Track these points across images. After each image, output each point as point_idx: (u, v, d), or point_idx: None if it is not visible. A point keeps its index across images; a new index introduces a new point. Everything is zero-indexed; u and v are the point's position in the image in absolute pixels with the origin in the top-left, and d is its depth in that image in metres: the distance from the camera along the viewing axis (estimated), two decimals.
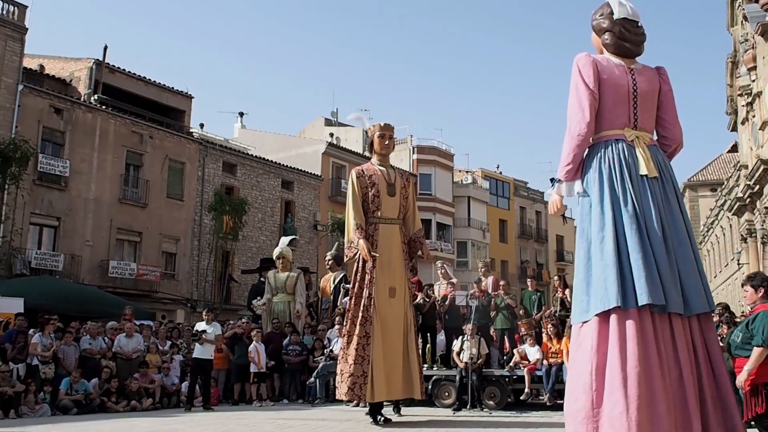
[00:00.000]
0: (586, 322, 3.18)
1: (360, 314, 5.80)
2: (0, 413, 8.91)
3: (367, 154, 6.68)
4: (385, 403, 6.30)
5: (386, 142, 6.19)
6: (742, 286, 6.32)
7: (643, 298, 3.01)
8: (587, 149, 3.50)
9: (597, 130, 3.49)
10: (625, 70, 3.50)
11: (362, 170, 6.16)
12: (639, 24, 3.58)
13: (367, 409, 6.18)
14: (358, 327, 5.76)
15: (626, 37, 3.54)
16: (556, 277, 12.41)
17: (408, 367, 5.84)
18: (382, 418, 5.93)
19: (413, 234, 6.22)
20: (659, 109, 3.59)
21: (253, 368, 10.82)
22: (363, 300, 5.84)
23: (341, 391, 5.82)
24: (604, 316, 3.10)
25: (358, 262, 5.98)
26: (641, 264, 3.08)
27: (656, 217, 3.23)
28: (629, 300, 3.05)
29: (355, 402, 6.70)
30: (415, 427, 6.01)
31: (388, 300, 5.85)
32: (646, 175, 3.32)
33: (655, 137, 3.60)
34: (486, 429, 5.99)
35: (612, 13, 3.57)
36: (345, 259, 6.33)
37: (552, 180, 3.54)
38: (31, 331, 10.48)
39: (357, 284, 5.97)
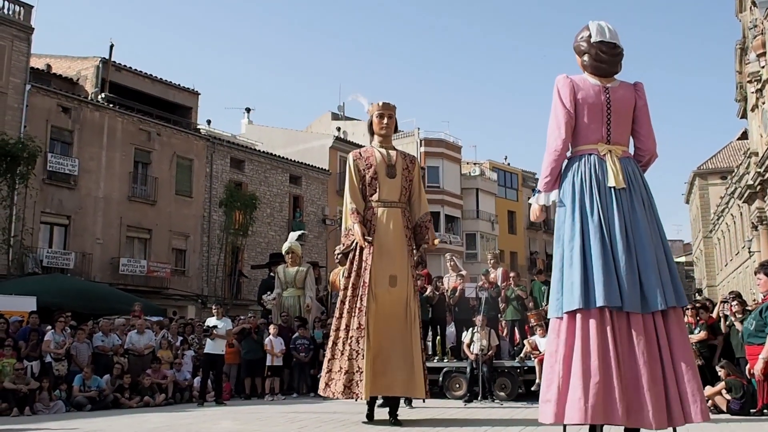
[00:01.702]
0: (559, 318, 3.61)
1: (356, 304, 5.33)
2: (15, 410, 8.98)
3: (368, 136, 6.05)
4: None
5: (385, 122, 5.71)
6: (755, 273, 6.31)
7: (600, 301, 3.44)
8: (566, 162, 3.86)
9: (574, 144, 3.86)
10: (600, 90, 3.82)
11: (359, 153, 5.79)
12: (616, 45, 3.86)
13: (380, 402, 5.87)
14: (353, 319, 5.29)
15: (603, 59, 3.83)
16: None
17: (410, 363, 5.23)
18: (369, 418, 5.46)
19: (419, 219, 5.75)
20: (635, 123, 3.89)
21: (268, 361, 10.86)
22: (359, 289, 5.36)
23: (336, 389, 5.23)
24: (572, 314, 3.54)
25: (355, 249, 5.56)
26: (601, 270, 3.50)
27: (620, 226, 3.60)
28: (591, 302, 3.47)
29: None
30: (424, 425, 5.98)
31: (388, 289, 5.33)
32: (614, 187, 3.67)
33: (632, 149, 3.94)
34: (497, 428, 5.98)
35: (590, 36, 3.87)
36: (342, 248, 5.77)
37: (533, 190, 4.00)
38: (47, 328, 10.56)
39: (353, 272, 5.49)
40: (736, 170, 36.43)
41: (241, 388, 11.34)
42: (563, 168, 3.86)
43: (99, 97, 25.27)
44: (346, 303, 5.43)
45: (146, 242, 25.89)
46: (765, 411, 6.85)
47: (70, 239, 23.22)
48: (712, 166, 49.36)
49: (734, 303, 8.55)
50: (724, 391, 7.41)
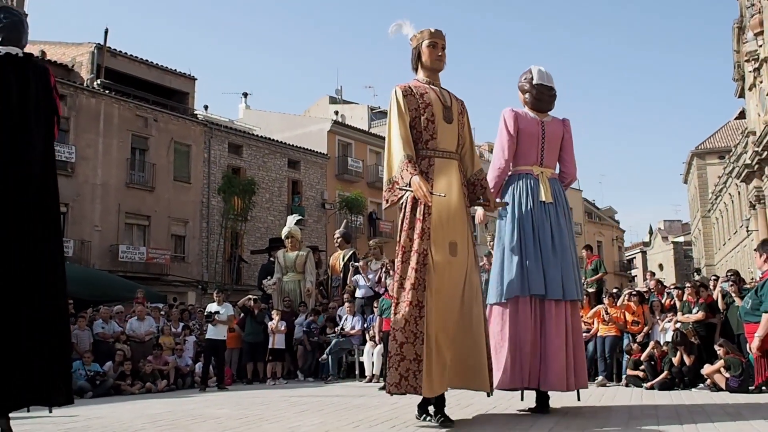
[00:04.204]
0: (501, 304, 4.61)
1: (414, 276, 4.17)
2: None
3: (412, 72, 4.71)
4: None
5: (439, 53, 4.51)
6: (755, 250, 6.37)
7: (533, 290, 4.51)
8: (507, 178, 4.87)
9: (515, 165, 4.87)
10: (538, 123, 4.83)
11: (410, 87, 4.47)
12: (551, 88, 4.87)
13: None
14: (411, 294, 4.15)
15: (541, 98, 4.85)
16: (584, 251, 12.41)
17: (473, 349, 4.20)
18: (441, 417, 4.10)
19: (472, 175, 4.62)
20: (561, 150, 4.93)
21: (269, 344, 10.89)
22: (418, 257, 4.19)
23: (391, 380, 4.08)
24: (513, 300, 4.58)
25: (406, 208, 4.33)
26: (533, 267, 4.54)
27: (548, 232, 4.62)
28: (525, 290, 4.52)
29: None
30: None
31: (449, 259, 4.24)
32: (544, 201, 4.68)
33: (557, 171, 4.98)
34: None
35: (532, 78, 4.86)
36: (385, 205, 4.58)
37: None
38: None
39: (406, 236, 4.28)
40: (734, 150, 36.38)
41: (243, 373, 11.38)
42: (506, 182, 4.85)
43: (95, 83, 25.13)
44: (405, 273, 4.24)
45: (145, 229, 25.86)
46: (763, 388, 6.89)
47: (68, 227, 23.16)
48: (710, 146, 49.30)
49: (732, 281, 8.59)
50: (723, 369, 7.46)
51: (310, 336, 11.17)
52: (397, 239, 4.36)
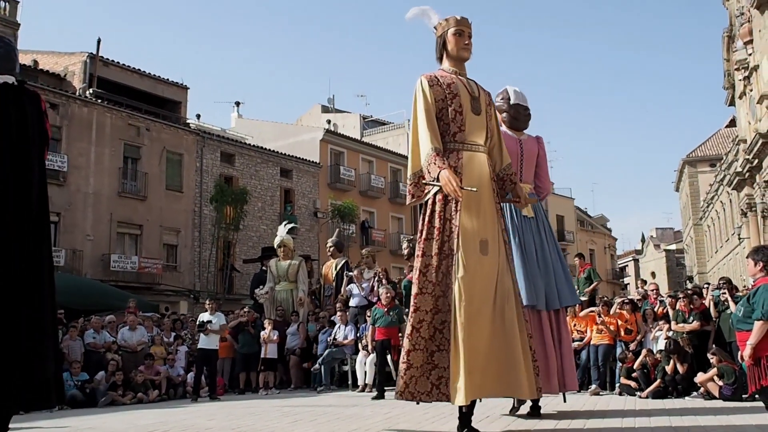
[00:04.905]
0: None
1: (441, 278, 3.90)
2: None
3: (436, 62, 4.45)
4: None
5: (466, 41, 4.29)
6: (747, 257, 6.40)
7: (524, 301, 4.45)
8: None
9: None
10: (516, 141, 5.08)
11: (435, 77, 4.20)
12: (527, 107, 5.20)
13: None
14: (440, 299, 3.88)
15: (518, 117, 5.18)
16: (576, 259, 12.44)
17: (507, 354, 3.87)
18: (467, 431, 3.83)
19: (501, 170, 4.34)
20: (537, 167, 5.22)
21: (261, 353, 10.83)
22: (443, 259, 3.92)
23: (420, 388, 3.81)
24: None
25: (432, 205, 4.03)
26: (523, 278, 4.70)
27: (532, 245, 4.92)
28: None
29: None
30: None
31: (480, 258, 3.93)
32: (526, 216, 4.97)
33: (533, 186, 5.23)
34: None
35: (509, 99, 5.19)
36: (409, 200, 4.22)
37: None
38: None
39: (435, 235, 3.96)
40: (724, 158, 36.59)
41: (235, 383, 11.32)
42: None
43: (87, 92, 25.10)
44: (430, 276, 3.94)
45: (137, 238, 25.76)
46: (756, 396, 6.90)
47: (60, 236, 23.07)
48: (701, 154, 49.56)
49: (724, 289, 8.62)
50: (716, 378, 7.46)
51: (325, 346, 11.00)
52: (419, 238, 4.03)
